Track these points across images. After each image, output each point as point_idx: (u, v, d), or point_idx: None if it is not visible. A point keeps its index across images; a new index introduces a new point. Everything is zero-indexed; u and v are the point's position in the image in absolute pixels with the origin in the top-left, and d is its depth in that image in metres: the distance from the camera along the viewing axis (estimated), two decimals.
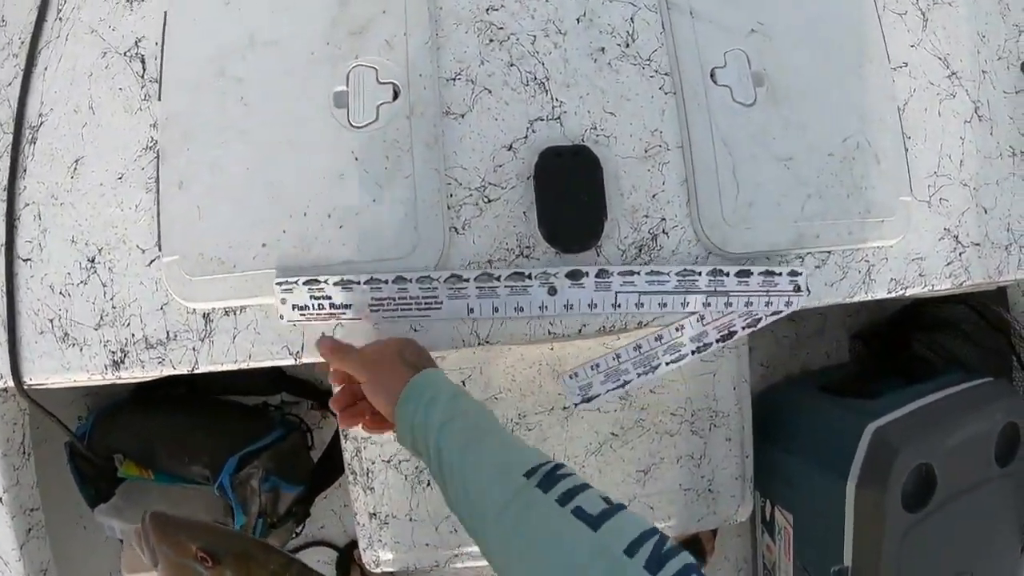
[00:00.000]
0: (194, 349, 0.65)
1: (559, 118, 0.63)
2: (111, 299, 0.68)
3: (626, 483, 0.77)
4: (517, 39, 0.65)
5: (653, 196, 0.64)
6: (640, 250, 0.63)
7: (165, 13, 0.70)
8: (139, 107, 0.69)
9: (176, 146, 0.66)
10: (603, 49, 0.66)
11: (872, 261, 0.70)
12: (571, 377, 0.68)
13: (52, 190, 0.72)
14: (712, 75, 0.67)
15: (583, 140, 0.63)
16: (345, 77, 0.63)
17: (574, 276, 0.61)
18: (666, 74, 0.66)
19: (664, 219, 0.64)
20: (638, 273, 0.61)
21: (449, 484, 0.46)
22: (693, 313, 0.63)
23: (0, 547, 0.78)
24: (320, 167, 0.62)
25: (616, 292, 0.61)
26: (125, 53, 0.71)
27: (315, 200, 0.61)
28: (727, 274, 0.62)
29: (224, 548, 0.45)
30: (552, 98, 0.64)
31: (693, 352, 0.66)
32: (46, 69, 0.75)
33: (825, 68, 0.70)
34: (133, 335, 0.67)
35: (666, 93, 0.66)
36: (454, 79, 0.64)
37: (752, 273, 0.63)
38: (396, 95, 0.63)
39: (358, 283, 0.60)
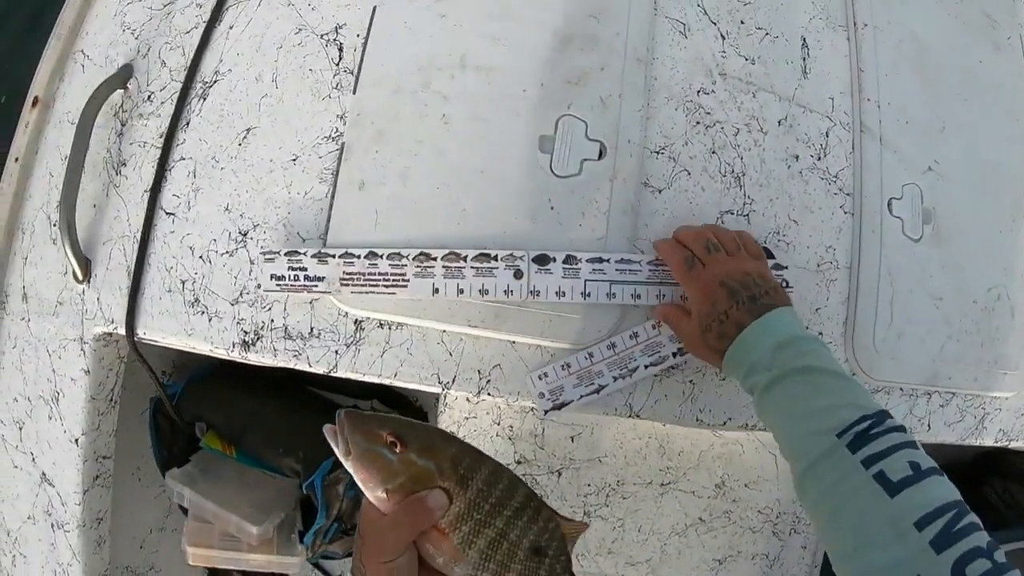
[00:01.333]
0: (337, 352, 0.63)
1: (748, 215, 0.65)
2: (256, 278, 0.66)
3: (700, 569, 0.78)
4: (721, 128, 0.66)
5: (816, 310, 0.65)
6: None
7: (374, 9, 0.69)
8: (328, 94, 0.68)
9: (364, 145, 0.65)
10: (797, 157, 0.67)
11: (988, 410, 0.72)
12: (540, 378, 0.61)
13: (214, 152, 0.70)
14: (889, 205, 0.69)
15: (766, 242, 0.64)
16: (554, 123, 0.63)
17: (541, 261, 0.59)
18: (848, 194, 0.68)
19: (821, 334, 0.65)
20: (607, 260, 0.60)
21: (767, 424, 0.50)
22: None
23: (63, 488, 0.75)
24: (513, 205, 0.62)
25: (585, 280, 0.60)
26: (322, 36, 0.70)
27: (501, 236, 0.61)
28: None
29: (410, 434, 0.46)
30: (745, 194, 0.65)
31: (674, 354, 0.61)
32: (231, 28, 0.74)
33: (986, 216, 0.73)
34: (272, 321, 0.65)
35: (846, 213, 0.67)
36: (658, 153, 0.64)
37: None
38: (601, 155, 0.63)
39: (333, 256, 0.62)
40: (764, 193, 0.65)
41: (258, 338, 0.65)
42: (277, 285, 0.63)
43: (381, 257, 0.61)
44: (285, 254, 0.64)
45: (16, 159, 0.80)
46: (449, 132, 0.64)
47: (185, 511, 0.79)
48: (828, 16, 0.72)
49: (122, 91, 0.77)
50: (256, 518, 0.73)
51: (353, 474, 0.46)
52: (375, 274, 0.61)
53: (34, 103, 0.80)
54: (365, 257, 0.62)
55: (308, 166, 0.67)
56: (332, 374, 0.64)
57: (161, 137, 0.73)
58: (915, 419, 0.69)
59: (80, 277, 0.74)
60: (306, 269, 0.63)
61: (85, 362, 0.74)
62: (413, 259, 0.61)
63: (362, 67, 0.67)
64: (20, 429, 0.80)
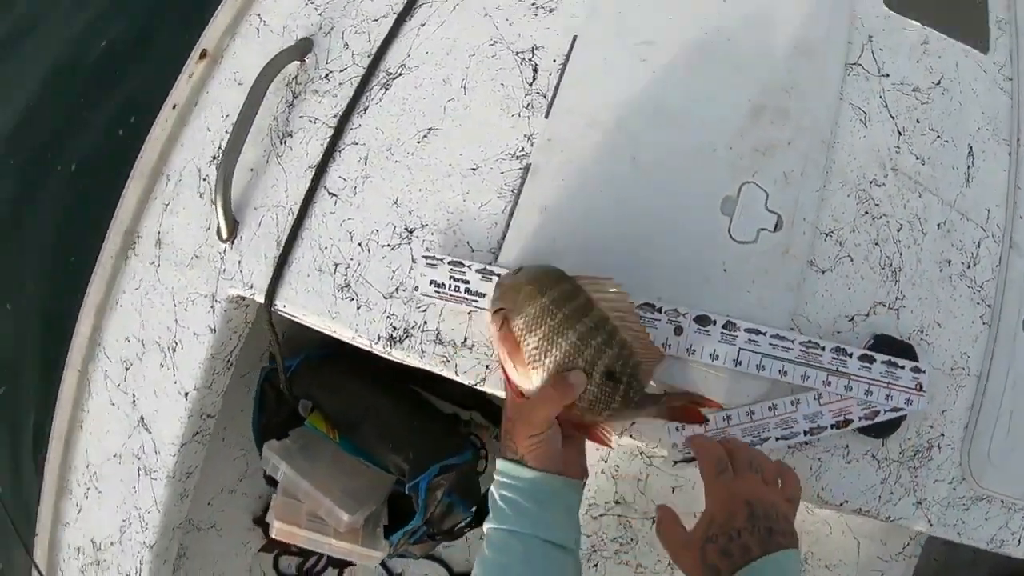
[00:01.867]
0: (487, 367, 0.64)
1: (898, 310, 0.67)
2: (415, 280, 0.67)
3: None
4: (887, 222, 0.68)
5: (943, 412, 0.68)
6: (915, 454, 0.67)
7: (575, 38, 0.70)
8: (518, 112, 0.69)
9: (551, 170, 0.66)
10: (950, 262, 0.69)
11: None
12: (678, 429, 0.63)
13: (390, 143, 0.71)
14: None
15: (909, 339, 0.67)
16: (738, 188, 0.65)
17: (702, 322, 0.62)
18: (989, 306, 0.70)
19: (943, 435, 0.68)
20: (763, 333, 0.62)
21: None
22: (811, 390, 0.63)
23: (161, 437, 0.76)
24: (687, 260, 0.63)
25: (739, 348, 0.62)
26: (518, 54, 0.71)
27: (673, 290, 0.63)
28: (850, 355, 0.63)
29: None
30: (898, 289, 0.67)
31: (805, 432, 0.62)
32: (422, 25, 0.75)
33: None
34: (425, 323, 0.66)
35: (984, 323, 0.70)
36: (827, 235, 0.66)
37: (876, 360, 0.63)
38: (777, 227, 0.65)
39: (498, 276, 0.63)
40: (916, 291, 0.68)
41: (407, 336, 0.66)
42: (436, 292, 0.64)
43: None
44: (449, 263, 0.65)
45: (174, 106, 0.80)
46: (636, 176, 0.65)
47: (272, 482, 0.79)
48: (995, 129, 0.75)
49: (299, 63, 0.77)
50: (349, 506, 0.74)
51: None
52: None
53: (201, 55, 0.81)
54: None
55: (488, 179, 0.68)
56: (479, 387, 0.65)
57: (335, 117, 0.74)
58: (1009, 532, 0.71)
59: (224, 236, 0.74)
60: (468, 282, 0.64)
61: (213, 320, 0.74)
62: None
63: (557, 93, 0.68)
64: (126, 369, 0.80)
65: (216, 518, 0.92)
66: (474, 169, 0.68)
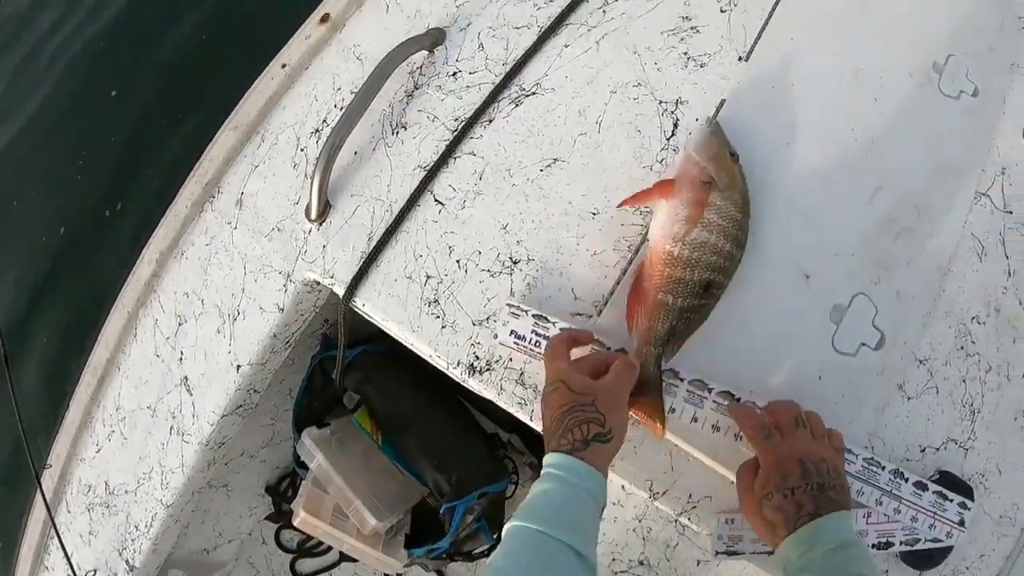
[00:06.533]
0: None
1: (967, 450, 0.67)
2: (495, 330, 0.64)
3: None
4: (978, 361, 0.68)
5: (980, 556, 0.68)
6: None
7: (722, 102, 0.68)
8: (651, 165, 0.67)
9: None
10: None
11: None
12: (727, 522, 0.62)
13: (511, 164, 0.68)
14: None
15: (970, 480, 0.67)
16: (850, 298, 0.64)
17: None
18: None
19: None
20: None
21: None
22: (863, 507, 0.64)
23: (202, 403, 0.73)
24: (785, 362, 0.62)
25: None
26: (661, 103, 0.68)
27: (762, 383, 0.62)
28: (906, 480, 0.64)
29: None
30: (972, 430, 0.67)
31: None
32: (566, 46, 0.71)
33: None
34: (511, 360, 0.64)
35: None
36: (921, 362, 0.66)
37: (927, 489, 0.65)
38: (879, 345, 0.64)
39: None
40: (987, 435, 0.68)
41: (488, 369, 0.64)
42: (515, 343, 0.62)
43: (625, 352, 0.60)
44: (533, 315, 0.62)
45: (283, 65, 0.76)
46: (755, 263, 0.64)
47: (301, 465, 0.78)
48: None
49: (427, 53, 0.73)
50: (378, 510, 0.73)
51: None
52: None
53: (323, 19, 0.75)
54: (618, 350, 0.61)
55: (607, 228, 0.65)
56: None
57: (455, 120, 0.70)
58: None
59: (314, 216, 0.71)
60: (549, 339, 0.61)
61: (283, 299, 0.72)
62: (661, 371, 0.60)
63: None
64: (179, 325, 0.77)
65: (230, 479, 0.91)
66: (594, 214, 0.66)
